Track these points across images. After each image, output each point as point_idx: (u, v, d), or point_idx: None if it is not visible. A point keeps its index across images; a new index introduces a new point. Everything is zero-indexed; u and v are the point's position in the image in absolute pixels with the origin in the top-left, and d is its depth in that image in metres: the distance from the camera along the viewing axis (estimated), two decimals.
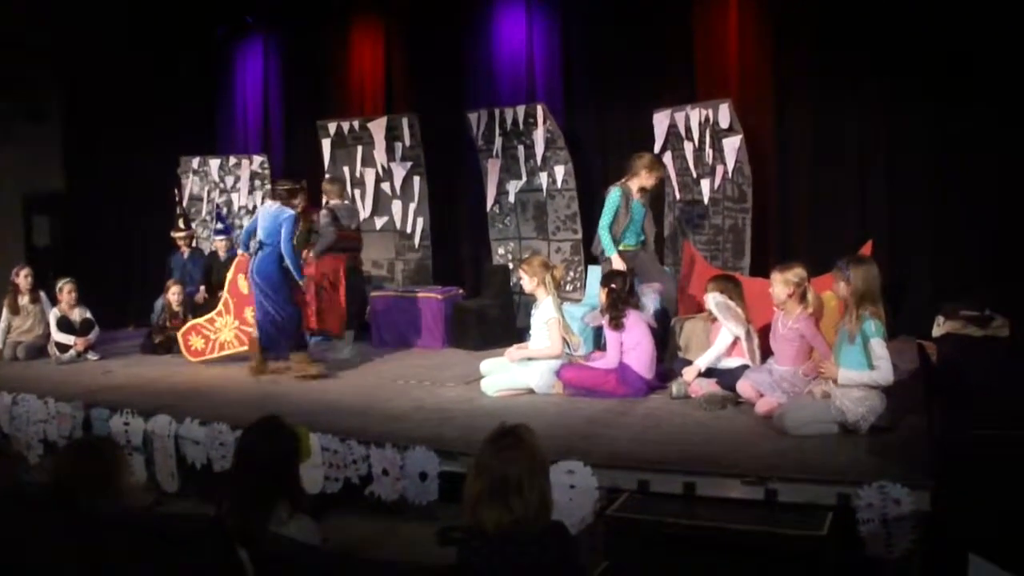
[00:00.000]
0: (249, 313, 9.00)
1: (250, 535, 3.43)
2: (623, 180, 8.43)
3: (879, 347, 5.67)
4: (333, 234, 9.57)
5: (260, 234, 8.73)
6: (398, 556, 5.11)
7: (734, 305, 7.17)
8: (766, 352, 7.01)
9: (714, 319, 7.35)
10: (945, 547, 4.35)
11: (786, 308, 6.64)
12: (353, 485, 6.06)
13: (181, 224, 11.89)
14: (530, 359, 7.74)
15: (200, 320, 9.60)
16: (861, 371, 5.73)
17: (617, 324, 7.40)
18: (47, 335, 10.38)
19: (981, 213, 8.76)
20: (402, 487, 5.86)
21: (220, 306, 9.47)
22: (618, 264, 8.22)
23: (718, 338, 7.26)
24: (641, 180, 8.40)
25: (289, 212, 8.64)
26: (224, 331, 9.42)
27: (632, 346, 7.39)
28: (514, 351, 7.91)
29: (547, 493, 3.24)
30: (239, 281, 9.30)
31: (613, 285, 7.53)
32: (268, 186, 9.96)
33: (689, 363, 7.38)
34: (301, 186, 9.03)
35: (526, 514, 3.11)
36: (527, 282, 7.86)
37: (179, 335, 9.66)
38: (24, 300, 10.58)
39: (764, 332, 7.22)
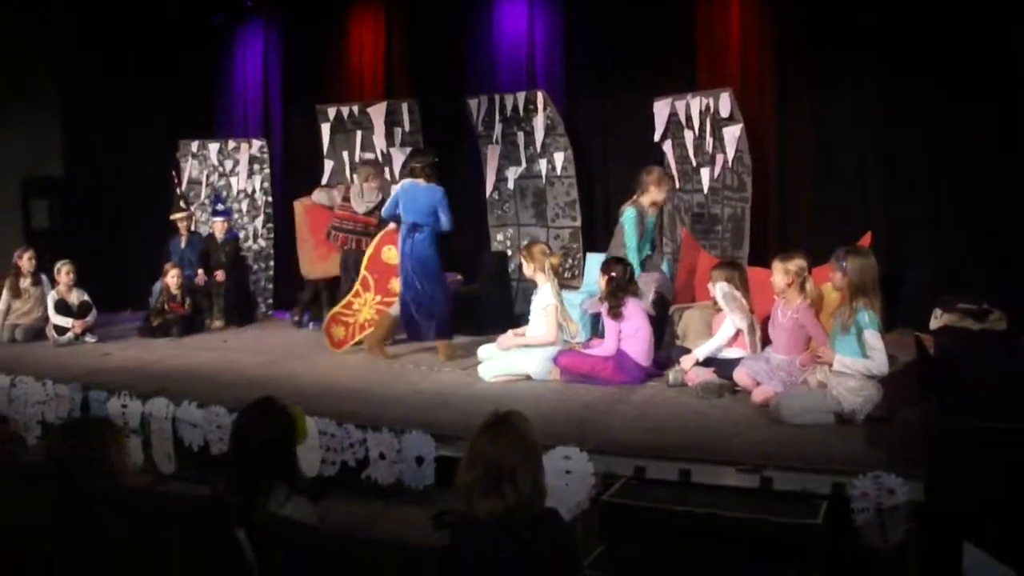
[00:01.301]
0: (395, 283, 8.71)
1: (248, 515, 3.45)
2: (635, 198, 8.43)
3: (873, 338, 5.69)
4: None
5: (411, 216, 8.47)
6: (394, 539, 5.13)
7: (740, 296, 7.19)
8: (765, 340, 7.04)
9: (718, 309, 7.36)
10: (939, 537, 4.37)
11: (786, 297, 6.66)
12: (350, 468, 6.08)
13: (182, 205, 11.90)
14: (526, 346, 7.76)
15: (337, 308, 9.22)
16: (856, 358, 5.76)
17: (616, 313, 7.41)
18: (46, 318, 10.38)
19: (981, 206, 8.76)
20: (398, 471, 5.88)
21: (357, 286, 9.06)
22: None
23: (721, 329, 7.27)
24: (652, 195, 8.41)
25: (442, 190, 8.53)
26: (364, 310, 9.02)
27: (630, 334, 7.41)
28: (509, 338, 7.92)
29: (540, 480, 3.26)
30: (383, 253, 8.97)
31: (613, 273, 7.54)
32: (364, 168, 9.77)
33: (687, 351, 7.39)
34: (433, 160, 8.75)
35: (519, 501, 3.13)
36: (526, 268, 7.88)
37: (323, 330, 9.30)
38: (26, 283, 10.59)
39: (762, 322, 7.25)
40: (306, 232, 10.58)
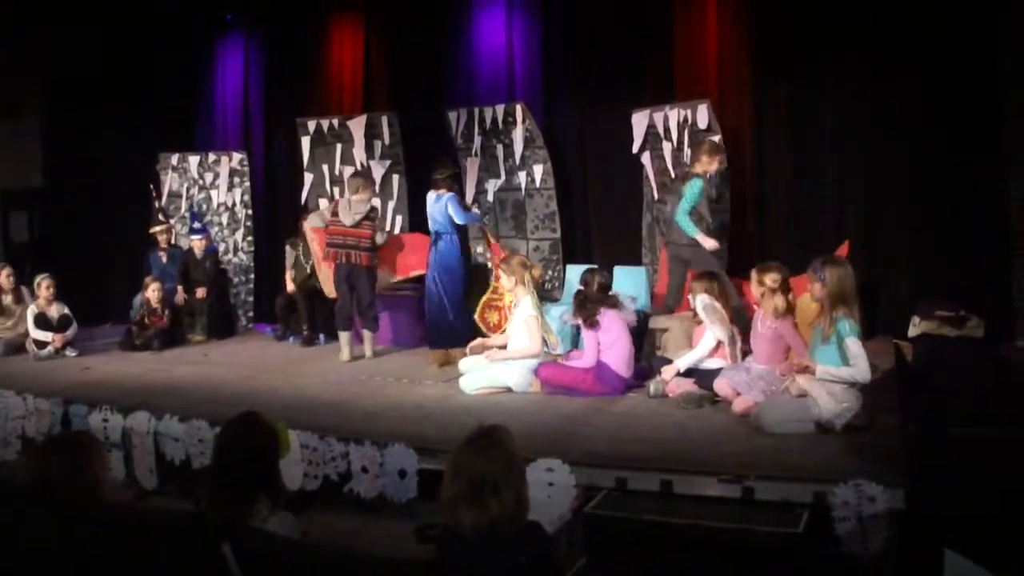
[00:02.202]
0: None
1: (232, 530, 3.45)
2: (694, 170, 8.59)
3: (854, 345, 5.74)
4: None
5: (434, 225, 9.16)
6: (377, 552, 5.13)
7: (720, 307, 7.23)
8: (746, 350, 7.09)
9: (699, 320, 7.40)
10: (920, 544, 4.40)
11: (765, 308, 6.71)
12: (332, 482, 6.07)
13: (160, 218, 11.88)
14: (509, 359, 7.78)
15: (486, 296, 9.55)
16: (838, 366, 5.80)
17: (591, 323, 7.45)
18: (27, 332, 10.33)
19: (958, 214, 8.83)
20: (381, 484, 5.88)
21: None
22: (710, 244, 8.37)
23: (702, 341, 7.30)
24: (703, 165, 8.54)
25: (449, 194, 9.10)
26: (507, 295, 8.96)
27: (609, 344, 7.44)
28: (494, 352, 7.93)
29: (523, 493, 3.28)
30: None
31: (580, 286, 7.63)
32: (354, 180, 9.71)
33: (668, 362, 7.42)
34: (453, 171, 9.52)
35: (503, 514, 3.14)
36: (506, 281, 7.91)
37: (476, 318, 9.51)
38: (8, 300, 10.57)
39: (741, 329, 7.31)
40: (318, 252, 10.51)
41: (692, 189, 8.42)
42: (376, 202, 9.55)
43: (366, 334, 9.66)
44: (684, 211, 8.40)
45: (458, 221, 9.12)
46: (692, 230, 8.36)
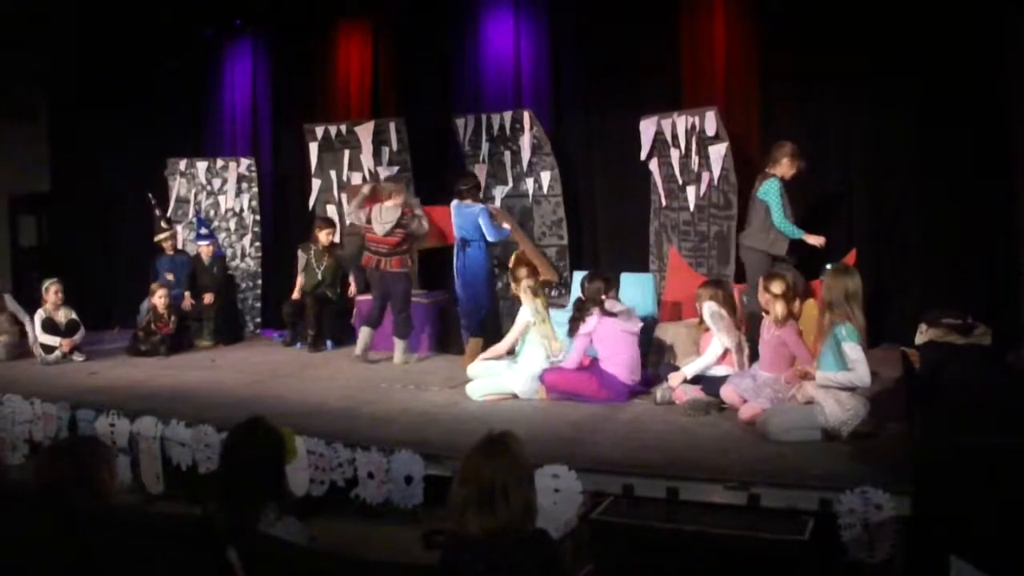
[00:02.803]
0: None
1: (239, 535, 3.45)
2: (771, 170, 8.44)
3: (852, 350, 5.75)
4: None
5: (461, 232, 9.33)
6: (383, 558, 5.14)
7: (727, 315, 7.24)
8: (755, 355, 7.10)
9: (705, 327, 7.40)
10: (926, 552, 4.40)
11: (771, 315, 6.72)
12: (338, 488, 6.07)
13: (163, 225, 11.91)
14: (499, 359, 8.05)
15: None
16: (837, 371, 5.81)
17: (573, 327, 7.61)
18: (21, 334, 10.38)
19: (966, 221, 8.81)
20: (387, 490, 5.88)
21: None
22: (814, 240, 8.30)
23: (709, 348, 7.31)
24: (783, 169, 8.41)
25: (481, 207, 9.31)
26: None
27: (609, 355, 7.46)
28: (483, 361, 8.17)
29: (532, 500, 3.28)
30: None
31: (580, 295, 7.68)
32: (387, 185, 9.57)
33: (675, 368, 7.43)
34: (477, 182, 9.85)
35: (511, 521, 3.15)
36: (513, 287, 8.03)
37: None
38: None
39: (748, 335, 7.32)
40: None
41: (773, 191, 8.29)
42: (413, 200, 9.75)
43: (397, 341, 9.64)
44: (779, 216, 8.26)
45: (490, 239, 9.22)
46: (795, 231, 8.27)
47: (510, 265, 8.97)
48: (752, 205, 8.49)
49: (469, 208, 9.26)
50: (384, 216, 9.42)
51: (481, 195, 9.70)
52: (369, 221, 9.47)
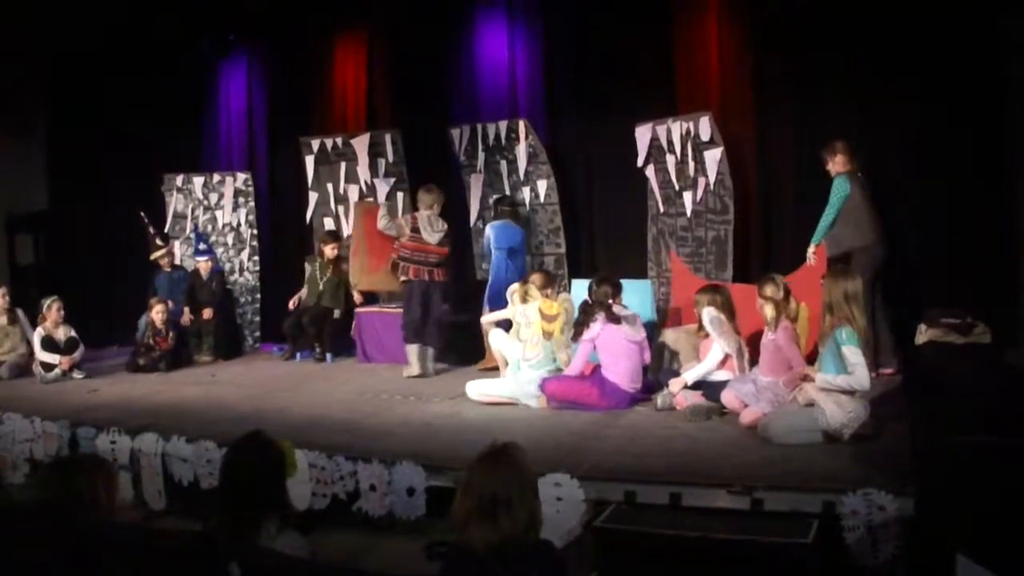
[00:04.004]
0: None
1: (240, 550, 3.45)
2: (837, 168, 8.60)
3: (852, 354, 5.76)
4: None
5: (508, 243, 9.95)
6: (386, 571, 5.13)
7: (726, 320, 7.25)
8: (756, 358, 7.11)
9: (705, 333, 7.41)
10: (931, 552, 4.39)
11: (768, 319, 6.74)
12: (340, 501, 6.06)
13: (158, 243, 11.91)
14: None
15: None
16: (837, 374, 5.81)
17: (578, 334, 7.67)
18: (29, 353, 10.35)
19: (965, 221, 8.80)
20: (390, 502, 5.87)
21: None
22: (812, 258, 8.40)
23: (710, 354, 7.32)
24: (837, 166, 8.59)
25: (520, 229, 10.26)
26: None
27: (610, 362, 7.48)
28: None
29: (536, 511, 3.26)
30: None
31: (586, 299, 7.71)
32: (428, 195, 9.40)
33: (676, 374, 7.43)
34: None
35: (514, 532, 3.13)
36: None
37: None
38: (2, 320, 10.54)
39: (749, 339, 7.32)
40: (362, 237, 10.35)
41: (842, 191, 8.48)
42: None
43: (429, 350, 9.56)
44: (830, 217, 8.48)
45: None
46: (817, 236, 8.53)
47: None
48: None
49: (515, 225, 10.15)
50: (434, 225, 9.44)
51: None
52: (416, 230, 9.40)
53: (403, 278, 9.48)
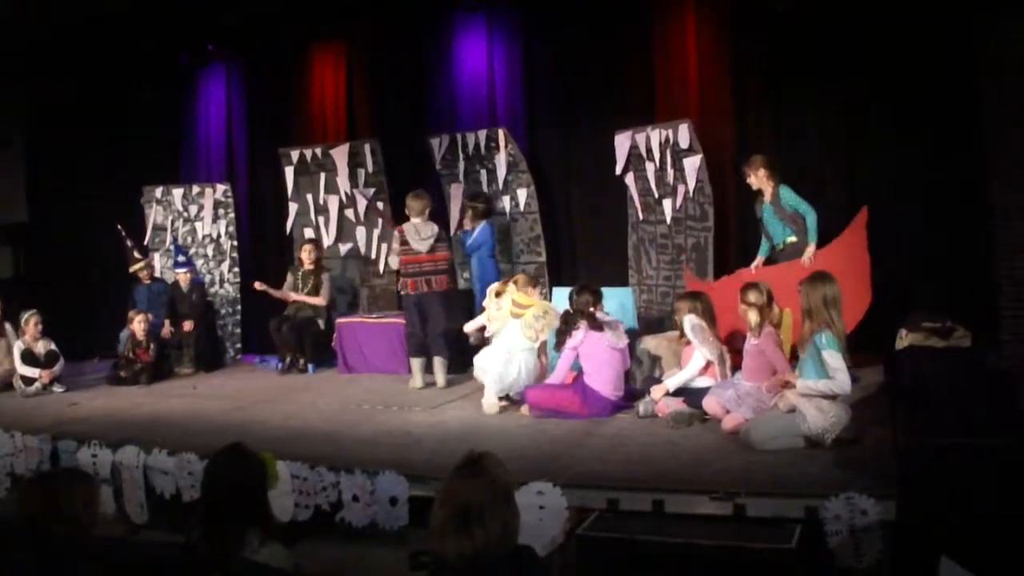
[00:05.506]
0: None
1: (223, 562, 3.43)
2: (760, 183, 8.76)
3: (832, 358, 5.79)
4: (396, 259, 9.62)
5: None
6: None
7: (707, 327, 7.26)
8: (737, 364, 7.13)
9: (687, 341, 7.42)
10: (913, 555, 4.40)
11: (751, 325, 6.76)
12: (323, 512, 6.04)
13: (136, 255, 11.86)
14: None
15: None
16: (818, 379, 5.83)
17: (560, 342, 7.73)
18: (13, 368, 10.29)
19: (942, 226, 8.85)
20: (373, 512, 5.86)
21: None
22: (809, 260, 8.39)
23: (691, 361, 7.33)
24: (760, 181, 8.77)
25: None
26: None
27: (594, 369, 7.49)
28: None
29: (510, 522, 3.24)
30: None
31: (568, 307, 7.73)
32: (416, 201, 9.38)
33: (657, 381, 7.44)
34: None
35: (488, 543, 3.11)
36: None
37: None
38: None
39: (730, 338, 7.35)
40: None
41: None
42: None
43: (437, 361, 9.31)
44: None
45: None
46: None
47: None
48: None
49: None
50: (422, 232, 9.20)
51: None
52: (405, 243, 9.23)
53: (402, 292, 9.47)
